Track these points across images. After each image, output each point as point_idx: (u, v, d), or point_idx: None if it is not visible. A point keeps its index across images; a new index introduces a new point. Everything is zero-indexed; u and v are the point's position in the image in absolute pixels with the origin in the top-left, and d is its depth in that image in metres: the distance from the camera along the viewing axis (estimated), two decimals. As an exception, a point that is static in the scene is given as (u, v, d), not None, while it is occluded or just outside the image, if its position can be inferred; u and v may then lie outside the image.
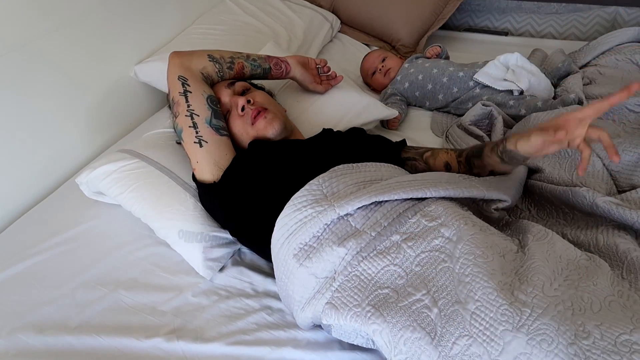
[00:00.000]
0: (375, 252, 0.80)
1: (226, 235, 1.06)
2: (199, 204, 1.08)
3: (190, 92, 1.07)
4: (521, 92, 1.38)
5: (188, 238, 1.03)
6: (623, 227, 0.88)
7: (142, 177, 1.09)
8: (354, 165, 0.94)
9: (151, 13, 1.55)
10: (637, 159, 1.00)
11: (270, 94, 1.26)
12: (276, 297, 0.99)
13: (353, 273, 0.79)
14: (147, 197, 1.08)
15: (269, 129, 1.08)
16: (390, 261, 0.78)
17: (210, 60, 1.15)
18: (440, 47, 1.64)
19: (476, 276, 0.70)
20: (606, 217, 0.90)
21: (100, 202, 1.22)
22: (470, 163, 1.03)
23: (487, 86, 1.41)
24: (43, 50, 1.23)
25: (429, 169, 1.12)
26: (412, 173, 1.13)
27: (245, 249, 1.12)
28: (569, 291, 0.69)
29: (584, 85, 1.42)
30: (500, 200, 0.93)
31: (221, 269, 1.07)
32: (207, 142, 1.04)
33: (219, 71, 1.16)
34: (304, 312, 0.84)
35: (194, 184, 1.09)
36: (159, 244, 1.11)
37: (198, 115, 1.06)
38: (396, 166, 1.00)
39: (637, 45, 1.44)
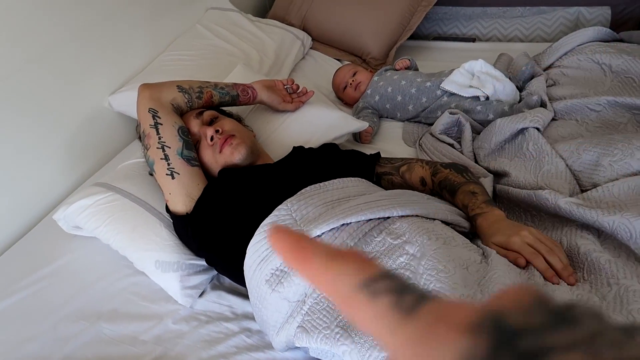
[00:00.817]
0: None
1: (203, 262, 1.08)
2: (174, 233, 1.09)
3: (161, 124, 1.09)
4: (487, 98, 1.41)
5: (164, 268, 1.04)
6: (586, 226, 0.90)
7: (117, 210, 1.11)
8: (321, 184, 0.96)
9: (122, 43, 1.57)
10: (597, 157, 1.03)
11: (239, 119, 1.28)
12: (253, 318, 1.00)
13: (322, 295, 0.80)
14: (122, 229, 1.09)
15: (235, 154, 1.10)
16: None
17: (179, 91, 1.17)
18: (409, 60, 1.67)
19: (438, 292, 0.72)
20: (569, 218, 0.92)
21: (78, 236, 1.23)
22: (442, 192, 1.07)
23: (454, 94, 1.44)
24: (14, 85, 1.25)
25: (405, 182, 1.15)
26: (387, 187, 1.16)
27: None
28: None
29: (548, 86, 1.45)
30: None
31: (200, 294, 1.08)
32: (178, 173, 1.06)
33: (188, 101, 1.18)
34: (278, 336, 0.85)
35: (168, 214, 1.11)
36: (139, 273, 1.12)
37: (169, 147, 1.07)
38: (363, 180, 1.02)
39: (597, 45, 1.47)
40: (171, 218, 1.10)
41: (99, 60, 1.50)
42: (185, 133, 1.11)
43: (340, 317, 0.77)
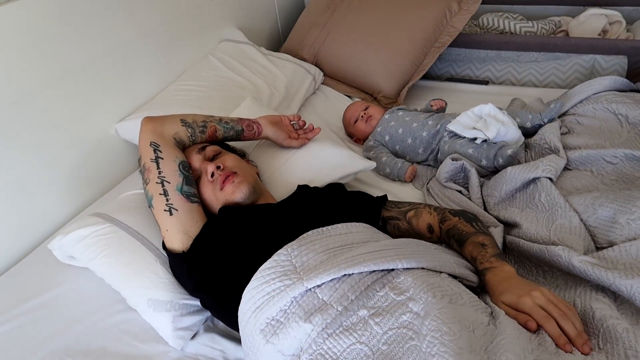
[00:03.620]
0: (341, 328, 0.77)
1: (197, 302, 1.03)
2: (170, 271, 1.05)
3: (162, 159, 1.06)
4: (485, 141, 1.37)
5: (157, 307, 1.00)
6: (602, 288, 0.85)
7: (114, 243, 1.07)
8: (324, 229, 0.92)
9: (133, 71, 1.57)
10: (614, 214, 0.98)
11: (243, 154, 1.26)
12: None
13: (318, 352, 0.75)
14: (117, 264, 1.06)
15: (236, 193, 1.07)
16: (356, 339, 0.75)
17: (182, 125, 1.15)
18: (445, 102, 1.64)
19: (442, 356, 0.67)
20: (584, 278, 0.87)
21: (72, 266, 1.19)
22: (449, 240, 1.02)
23: (454, 135, 1.41)
24: (22, 113, 1.24)
25: (411, 228, 1.11)
26: (393, 232, 1.12)
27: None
28: None
29: (563, 134, 1.42)
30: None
31: (192, 337, 1.03)
32: (177, 210, 1.03)
33: (191, 135, 1.16)
34: None
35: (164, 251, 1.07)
36: (131, 310, 1.08)
37: (169, 183, 1.05)
38: (368, 226, 0.98)
39: (614, 94, 1.44)
40: (167, 255, 1.06)
41: (109, 88, 1.50)
42: (186, 168, 1.08)
43: None
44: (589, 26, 2.03)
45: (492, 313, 0.79)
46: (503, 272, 0.87)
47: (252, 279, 0.85)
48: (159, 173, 1.05)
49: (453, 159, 1.33)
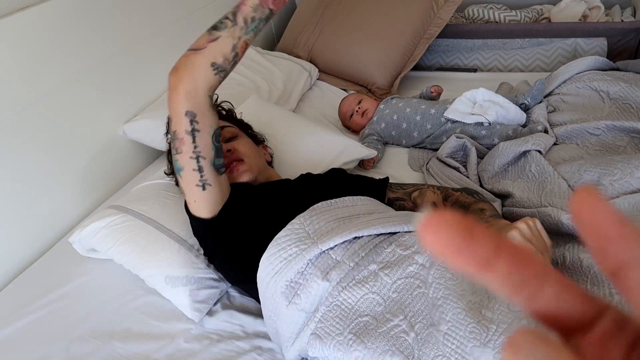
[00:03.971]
0: (354, 281, 0.84)
1: (212, 275, 1.10)
2: (183, 249, 1.11)
3: (198, 131, 0.96)
4: (489, 123, 1.45)
5: (174, 283, 1.07)
6: (588, 242, 0.92)
7: (129, 230, 1.14)
8: (331, 201, 0.99)
9: (138, 74, 1.64)
10: (598, 177, 1.06)
11: (262, 140, 1.30)
12: (266, 337, 1.02)
13: (334, 303, 0.82)
14: (133, 248, 1.13)
15: (237, 180, 1.12)
16: (368, 289, 0.82)
17: (216, 74, 0.96)
18: (442, 88, 1.71)
19: (447, 299, 0.74)
20: (572, 234, 0.95)
21: (92, 259, 1.26)
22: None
23: (457, 121, 1.49)
24: (33, 116, 1.30)
25: (416, 208, 1.16)
26: None
27: (233, 292, 1.15)
28: None
29: (548, 112, 1.50)
30: None
31: (212, 314, 1.10)
32: (210, 185, 1.00)
33: (224, 77, 1.00)
34: (293, 346, 0.86)
35: (177, 230, 1.13)
36: (151, 293, 1.14)
37: (204, 158, 0.98)
38: (372, 199, 1.05)
39: (595, 73, 1.52)
40: (190, 217, 1.07)
41: (116, 90, 1.57)
42: (218, 138, 1.01)
43: (353, 324, 0.79)
44: (570, 12, 2.12)
45: None
46: (499, 224, 0.94)
47: (268, 247, 0.91)
48: (195, 147, 0.96)
49: (457, 137, 1.41)
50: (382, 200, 1.19)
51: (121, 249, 1.15)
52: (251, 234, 1.00)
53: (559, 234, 0.99)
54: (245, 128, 1.29)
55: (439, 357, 0.70)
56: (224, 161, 1.05)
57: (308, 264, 0.86)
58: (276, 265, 0.88)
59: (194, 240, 1.14)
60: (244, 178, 1.12)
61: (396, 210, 1.18)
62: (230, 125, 1.23)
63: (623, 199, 0.94)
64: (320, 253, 0.87)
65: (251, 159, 1.17)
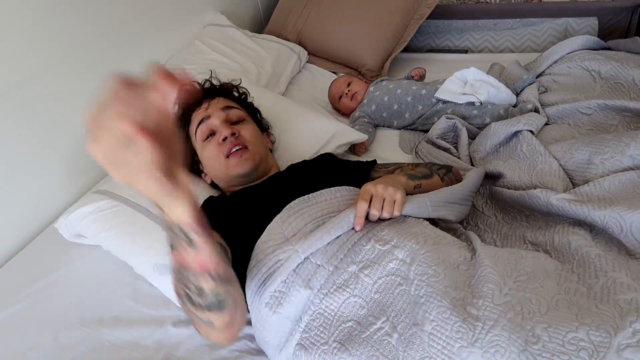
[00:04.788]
0: (335, 286, 0.82)
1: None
2: None
3: None
4: (481, 103, 1.44)
5: (162, 271, 1.05)
6: (578, 222, 0.92)
7: (117, 216, 1.12)
8: (309, 197, 0.96)
9: (122, 57, 1.60)
10: (589, 156, 1.05)
11: (267, 127, 1.29)
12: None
13: (317, 311, 0.80)
14: (122, 235, 1.11)
15: (238, 167, 1.08)
16: (350, 293, 0.80)
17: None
18: (424, 70, 1.70)
19: (430, 296, 0.73)
20: (562, 215, 0.94)
21: (80, 245, 1.24)
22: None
23: (448, 101, 1.47)
24: (19, 98, 1.27)
25: None
26: None
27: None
28: (519, 294, 0.71)
29: (540, 93, 1.49)
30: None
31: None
32: None
33: None
34: (280, 355, 0.84)
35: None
36: (139, 281, 1.13)
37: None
38: (352, 188, 1.02)
39: (586, 52, 1.51)
40: None
41: (98, 74, 1.53)
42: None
43: (337, 331, 0.78)
44: (561, -9, 2.09)
45: (473, 248, 0.85)
46: (396, 178, 0.96)
47: (252, 256, 0.89)
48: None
49: (448, 118, 1.40)
50: (368, 181, 1.18)
51: (109, 235, 1.13)
52: (238, 244, 0.94)
53: (549, 215, 0.99)
54: (254, 113, 1.26)
55: (426, 359, 0.69)
56: (226, 149, 1.07)
57: (291, 272, 0.84)
58: (259, 278, 0.86)
59: None
60: (246, 166, 1.09)
61: None
62: (238, 108, 1.20)
63: (613, 176, 0.93)
64: (303, 261, 0.85)
65: (255, 146, 1.14)
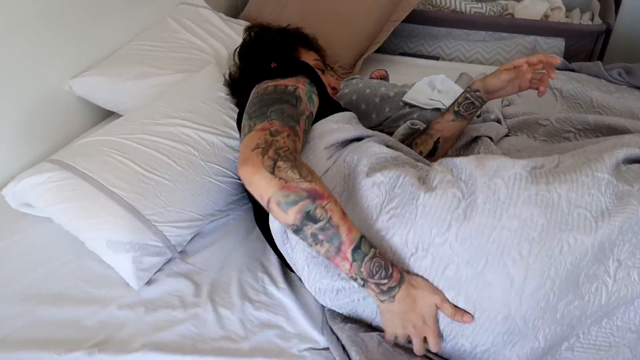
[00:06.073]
0: None
1: (156, 244, 1.05)
2: (128, 213, 1.04)
3: None
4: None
5: (116, 248, 1.02)
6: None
7: (69, 189, 1.07)
8: None
9: (90, 27, 1.55)
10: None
11: None
12: (203, 307, 1.00)
13: None
14: (74, 208, 1.06)
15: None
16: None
17: None
18: (385, 71, 1.71)
19: None
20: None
21: (28, 216, 1.19)
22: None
23: (415, 106, 1.49)
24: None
25: None
26: None
27: (177, 260, 1.12)
28: None
29: (503, 106, 1.53)
30: None
31: (150, 282, 1.06)
32: None
33: None
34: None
35: (122, 193, 1.06)
36: (87, 257, 1.09)
37: None
38: None
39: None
40: None
41: (63, 42, 1.47)
42: None
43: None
44: (533, 10, 2.16)
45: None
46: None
47: None
48: None
49: (412, 124, 1.41)
50: None
51: (60, 208, 1.07)
52: None
53: None
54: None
55: None
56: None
57: None
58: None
59: (140, 205, 1.06)
60: None
61: None
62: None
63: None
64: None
65: None
